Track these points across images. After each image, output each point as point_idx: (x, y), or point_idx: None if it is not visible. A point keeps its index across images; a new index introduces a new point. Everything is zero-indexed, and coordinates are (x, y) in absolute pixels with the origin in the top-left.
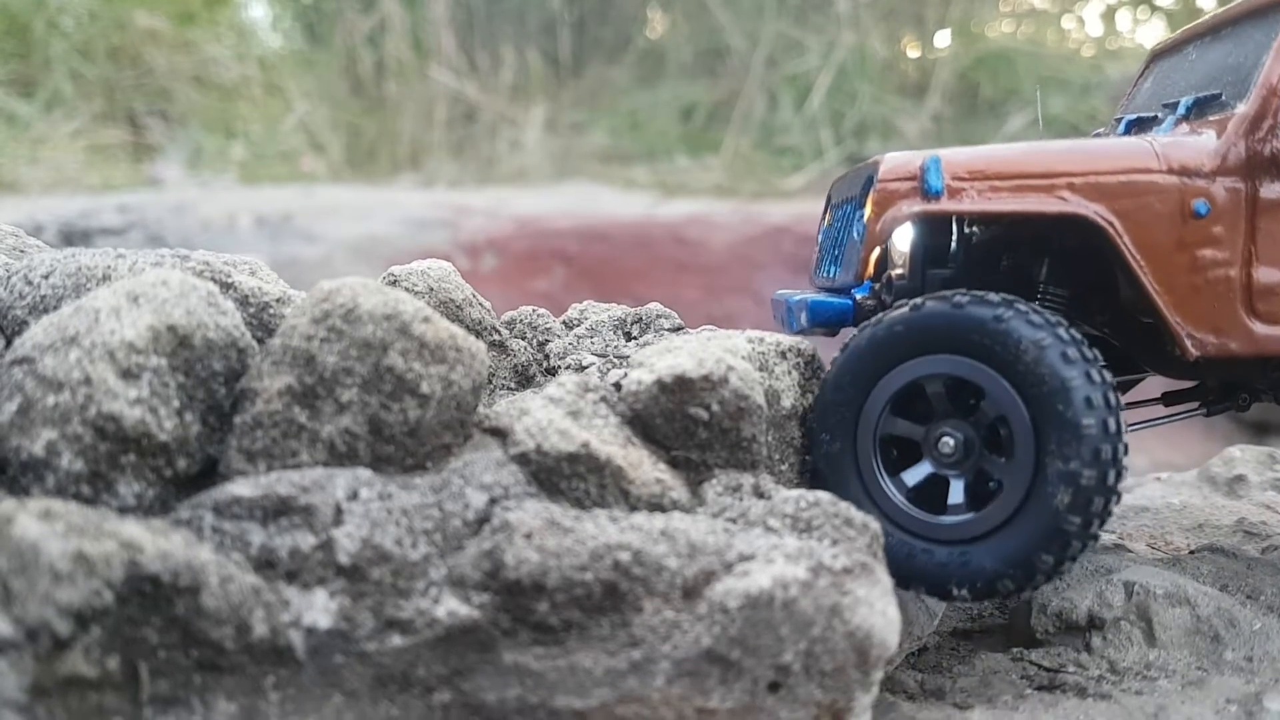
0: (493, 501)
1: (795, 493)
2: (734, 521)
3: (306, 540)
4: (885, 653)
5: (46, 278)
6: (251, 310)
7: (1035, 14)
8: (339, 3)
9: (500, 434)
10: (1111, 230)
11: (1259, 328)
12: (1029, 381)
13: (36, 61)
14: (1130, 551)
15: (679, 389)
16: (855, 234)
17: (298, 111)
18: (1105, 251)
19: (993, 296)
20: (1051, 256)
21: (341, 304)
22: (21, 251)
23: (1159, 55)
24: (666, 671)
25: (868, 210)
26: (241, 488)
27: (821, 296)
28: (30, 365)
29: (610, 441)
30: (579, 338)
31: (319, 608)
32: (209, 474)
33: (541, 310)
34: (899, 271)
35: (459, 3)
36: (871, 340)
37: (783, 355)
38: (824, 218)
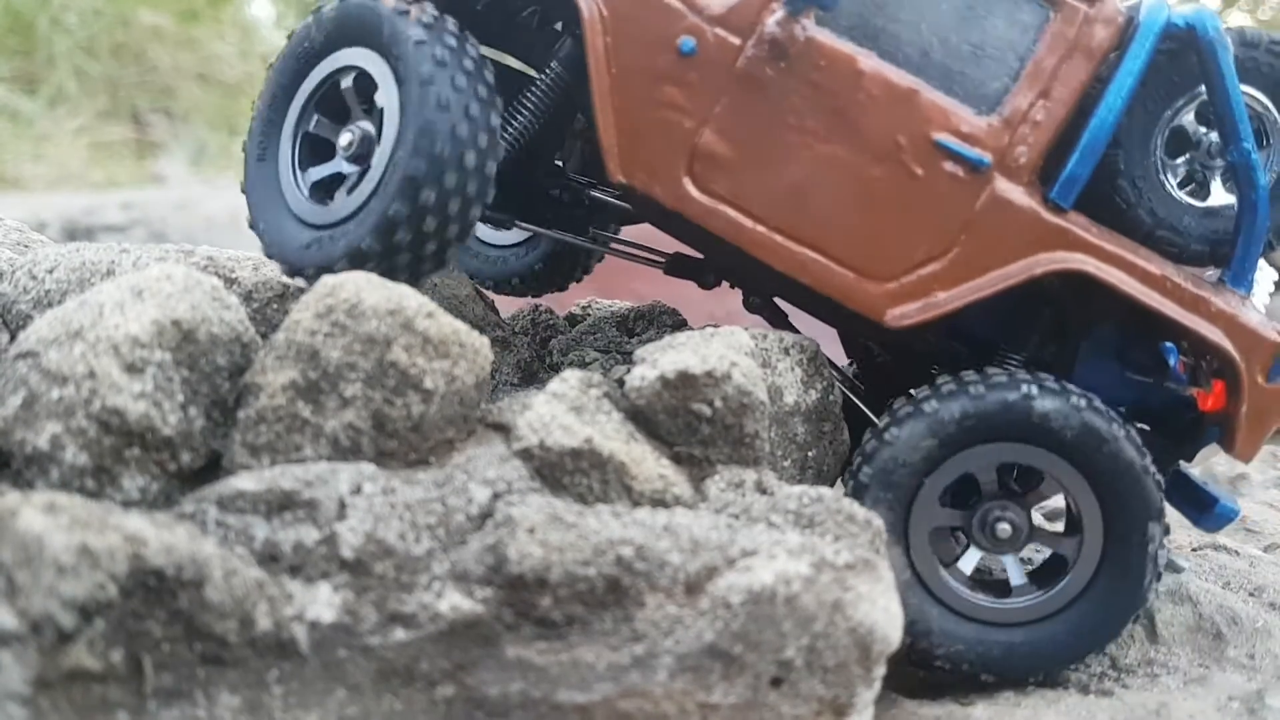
0: (496, 496)
1: (798, 489)
2: (737, 517)
3: (310, 534)
4: (888, 648)
5: (51, 272)
6: (255, 305)
7: None
8: None
9: (503, 429)
10: (593, 19)
11: (688, 187)
12: None
13: (40, 58)
14: None
15: (682, 385)
16: None
17: None
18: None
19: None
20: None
21: (345, 299)
22: (25, 246)
23: None
24: (669, 666)
25: None
26: (245, 482)
27: None
28: (35, 359)
29: (613, 437)
30: (582, 334)
31: (322, 601)
32: (213, 468)
33: (545, 306)
34: None
35: None
36: None
37: (785, 351)
38: None
